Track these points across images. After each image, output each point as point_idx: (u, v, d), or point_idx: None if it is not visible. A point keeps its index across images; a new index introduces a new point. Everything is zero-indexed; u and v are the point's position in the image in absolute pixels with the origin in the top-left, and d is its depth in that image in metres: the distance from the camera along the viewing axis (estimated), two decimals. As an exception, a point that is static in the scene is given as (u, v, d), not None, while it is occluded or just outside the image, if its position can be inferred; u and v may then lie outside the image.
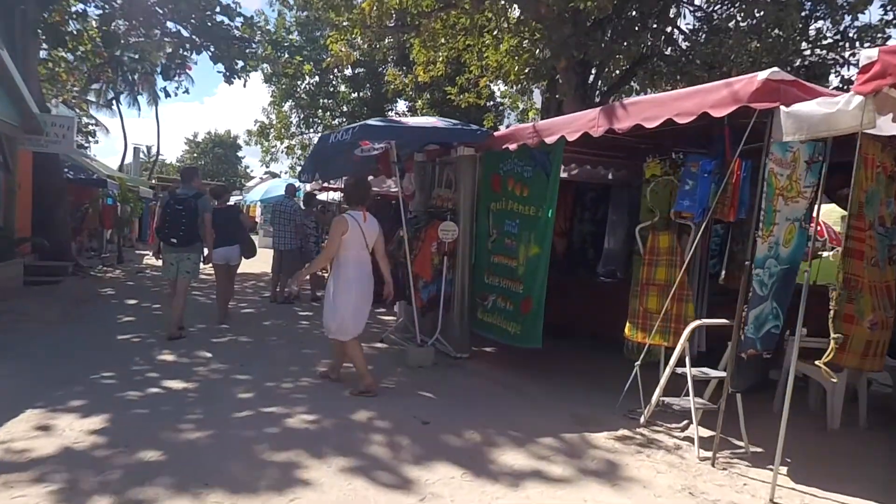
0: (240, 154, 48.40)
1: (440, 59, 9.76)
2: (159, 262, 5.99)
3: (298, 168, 17.75)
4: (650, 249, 3.90)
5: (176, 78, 11.29)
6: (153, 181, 20.86)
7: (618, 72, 8.72)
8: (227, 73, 11.97)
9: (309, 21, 13.89)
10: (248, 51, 11.03)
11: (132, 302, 7.59)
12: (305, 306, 7.86)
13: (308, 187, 11.14)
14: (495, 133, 4.92)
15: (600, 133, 3.80)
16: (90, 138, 32.85)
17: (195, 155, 47.03)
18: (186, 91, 13.12)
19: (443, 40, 9.60)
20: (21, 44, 8.91)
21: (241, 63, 11.41)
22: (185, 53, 11.15)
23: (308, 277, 6.30)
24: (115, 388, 3.93)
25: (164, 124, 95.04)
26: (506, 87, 10.86)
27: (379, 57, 14.53)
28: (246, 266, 7.22)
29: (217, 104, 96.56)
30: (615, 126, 3.69)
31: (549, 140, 4.34)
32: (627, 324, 4.00)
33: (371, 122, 5.55)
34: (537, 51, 8.47)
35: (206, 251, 5.69)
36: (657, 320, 3.64)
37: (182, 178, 6.00)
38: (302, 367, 4.72)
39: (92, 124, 33.42)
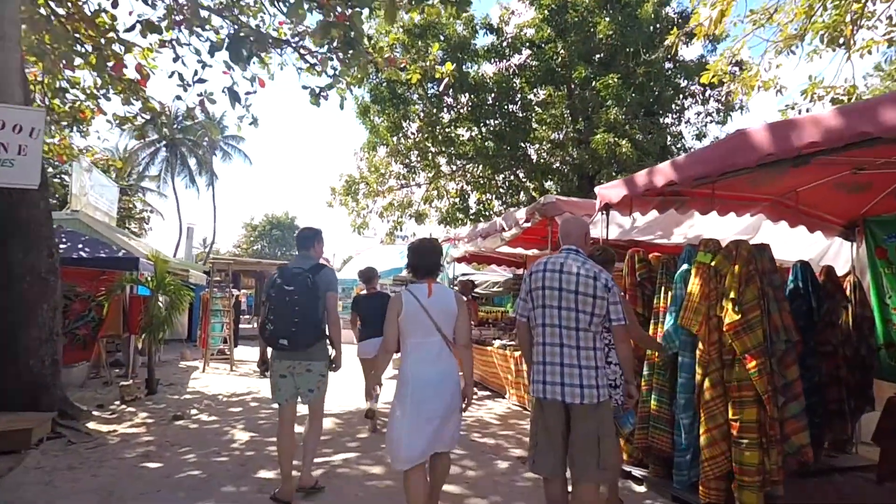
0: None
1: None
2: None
3: (400, 237, 13.03)
4: None
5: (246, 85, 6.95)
6: (207, 265, 16.76)
7: None
8: (320, 88, 7.61)
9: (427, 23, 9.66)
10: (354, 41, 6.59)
11: None
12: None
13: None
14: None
15: None
16: (144, 224, 30.50)
17: (252, 238, 44.61)
18: (255, 122, 8.55)
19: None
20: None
21: (339, 63, 7.00)
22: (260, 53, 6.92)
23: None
24: None
25: (220, 211, 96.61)
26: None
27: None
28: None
29: (274, 184, 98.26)
30: None
31: None
32: None
33: None
34: None
35: (332, 354, 3.58)
36: None
37: (298, 244, 3.68)
38: None
39: (147, 211, 31.26)
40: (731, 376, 3.12)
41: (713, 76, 5.84)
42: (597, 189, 4.15)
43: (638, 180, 3.68)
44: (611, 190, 3.94)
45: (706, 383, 3.22)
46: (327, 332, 3.56)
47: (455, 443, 2.97)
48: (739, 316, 3.07)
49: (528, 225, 5.27)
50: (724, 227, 4.97)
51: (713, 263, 3.29)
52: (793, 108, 6.01)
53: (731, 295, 3.10)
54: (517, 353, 6.35)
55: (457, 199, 12.13)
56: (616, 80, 9.70)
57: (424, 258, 2.98)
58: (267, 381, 7.80)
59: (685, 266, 3.53)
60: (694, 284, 3.34)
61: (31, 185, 3.96)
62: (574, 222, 2.99)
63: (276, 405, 3.61)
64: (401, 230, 12.68)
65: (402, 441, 2.74)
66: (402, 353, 2.91)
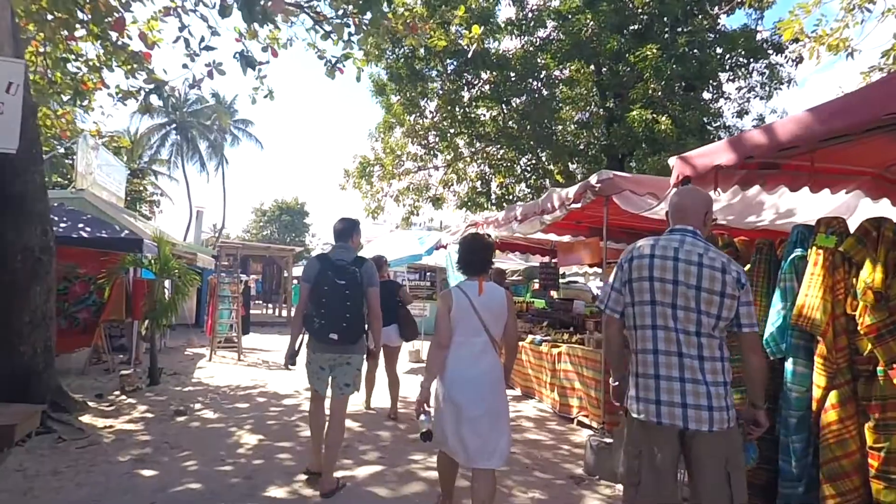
0: (307, 221, 45.06)
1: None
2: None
3: (416, 224, 12.29)
4: None
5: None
6: (216, 249, 16.18)
7: None
8: (336, 59, 6.92)
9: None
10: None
11: None
12: None
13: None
14: None
15: None
16: (155, 207, 30.09)
17: (261, 223, 44.19)
18: (270, 94, 7.92)
19: None
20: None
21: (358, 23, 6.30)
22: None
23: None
24: None
25: (230, 195, 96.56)
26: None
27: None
28: None
29: (284, 169, 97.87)
30: None
31: None
32: None
33: None
34: None
35: (371, 345, 3.60)
36: None
37: (336, 235, 3.61)
38: None
39: (157, 194, 30.82)
40: (869, 392, 2.45)
41: (798, 32, 5.09)
42: (673, 159, 3.45)
43: (746, 142, 2.95)
44: (702, 157, 3.21)
45: (831, 399, 2.55)
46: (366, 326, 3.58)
47: (503, 460, 2.72)
48: (885, 314, 2.39)
49: (577, 206, 4.57)
50: (813, 208, 4.24)
51: (841, 248, 2.60)
52: (881, 70, 5.27)
53: (875, 286, 2.41)
54: (555, 351, 5.69)
55: (477, 183, 11.39)
56: (655, 51, 8.88)
57: (477, 254, 2.91)
58: (275, 373, 7.23)
59: (798, 251, 2.84)
60: (813, 274, 2.66)
61: (9, 148, 3.34)
62: (692, 195, 2.29)
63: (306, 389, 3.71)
64: (417, 215, 12.02)
65: (444, 430, 2.73)
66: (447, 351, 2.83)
